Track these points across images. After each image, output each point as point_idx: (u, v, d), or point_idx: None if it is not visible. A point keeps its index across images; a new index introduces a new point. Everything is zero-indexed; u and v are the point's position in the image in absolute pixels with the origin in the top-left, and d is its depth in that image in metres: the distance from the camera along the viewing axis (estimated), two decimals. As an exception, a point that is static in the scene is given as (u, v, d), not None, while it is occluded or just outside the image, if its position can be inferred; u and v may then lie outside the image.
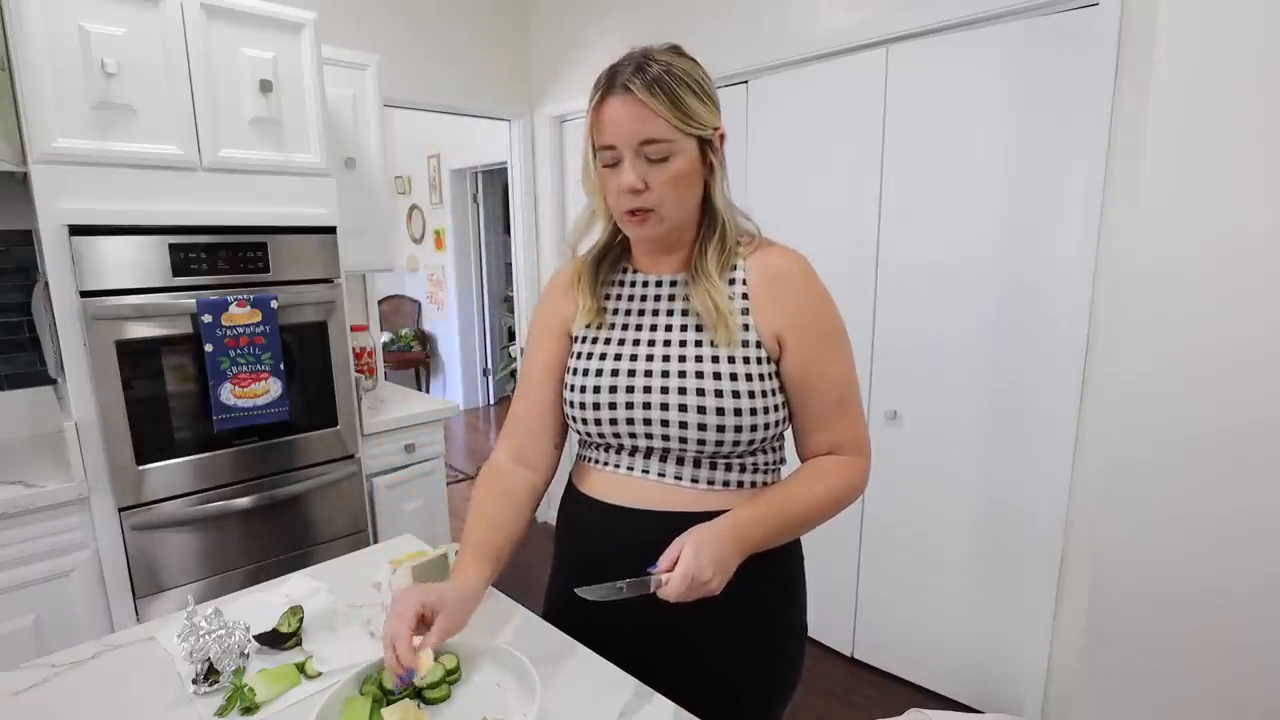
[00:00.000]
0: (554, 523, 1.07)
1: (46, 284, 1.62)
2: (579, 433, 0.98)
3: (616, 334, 0.96)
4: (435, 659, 0.83)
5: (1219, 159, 1.32)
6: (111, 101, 1.62)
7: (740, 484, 0.93)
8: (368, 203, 2.33)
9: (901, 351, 2.09)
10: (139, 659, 0.93)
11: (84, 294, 1.61)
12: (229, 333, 1.77)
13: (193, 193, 1.76)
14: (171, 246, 1.72)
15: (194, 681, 0.85)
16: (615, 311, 0.98)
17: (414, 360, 5.90)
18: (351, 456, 2.11)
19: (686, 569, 0.78)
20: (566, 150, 3.19)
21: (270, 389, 1.85)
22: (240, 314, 1.78)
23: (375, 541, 2.08)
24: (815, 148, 2.22)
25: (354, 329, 2.28)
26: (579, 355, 0.97)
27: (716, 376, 0.87)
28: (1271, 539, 1.33)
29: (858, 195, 2.11)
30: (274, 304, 1.83)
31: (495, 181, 5.46)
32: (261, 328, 1.82)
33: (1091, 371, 1.74)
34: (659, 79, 0.83)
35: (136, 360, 1.69)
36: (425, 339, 6.03)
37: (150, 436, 1.73)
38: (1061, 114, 1.72)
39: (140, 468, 1.72)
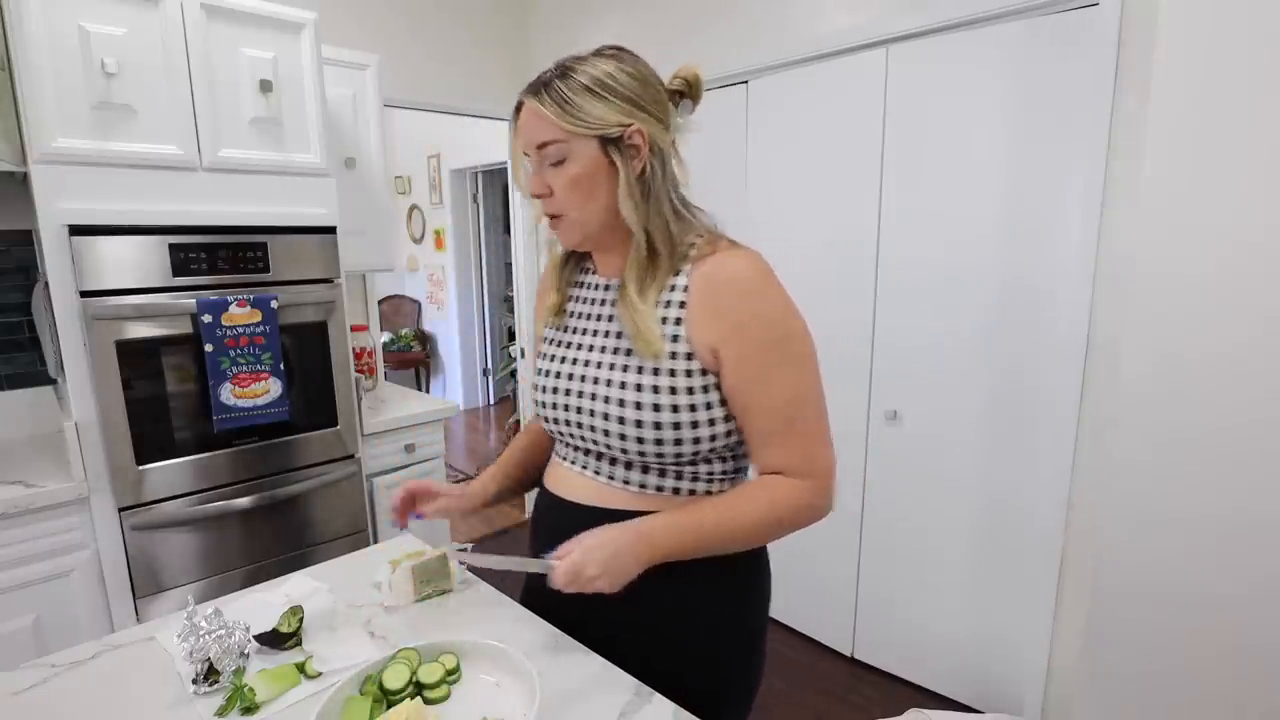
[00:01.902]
0: None
1: (46, 284, 1.62)
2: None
3: (569, 336, 0.99)
4: (436, 659, 0.83)
5: (1219, 159, 1.32)
6: (111, 101, 1.62)
7: (678, 490, 0.91)
8: (368, 203, 2.33)
9: (901, 351, 2.09)
10: (139, 659, 0.93)
11: (84, 294, 1.61)
12: (229, 333, 1.77)
13: (193, 193, 1.76)
14: (171, 246, 1.72)
15: (194, 681, 0.85)
16: (573, 314, 1.00)
17: (414, 360, 5.90)
18: (351, 456, 2.11)
19: (569, 564, 0.80)
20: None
21: (270, 389, 1.85)
22: (240, 314, 1.78)
23: (375, 541, 2.08)
24: (815, 148, 2.22)
25: (354, 329, 2.28)
26: (541, 355, 1.02)
27: (639, 389, 0.87)
28: (1272, 539, 1.33)
29: (858, 195, 2.11)
30: (274, 304, 1.83)
31: (495, 181, 5.46)
32: (261, 328, 1.82)
33: (1091, 371, 1.75)
34: (550, 86, 0.85)
35: (136, 360, 1.69)
36: (425, 339, 6.03)
37: (150, 436, 1.73)
38: (1061, 114, 1.72)
39: (140, 468, 1.72)
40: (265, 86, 1.83)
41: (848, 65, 2.10)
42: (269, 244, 1.86)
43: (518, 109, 0.90)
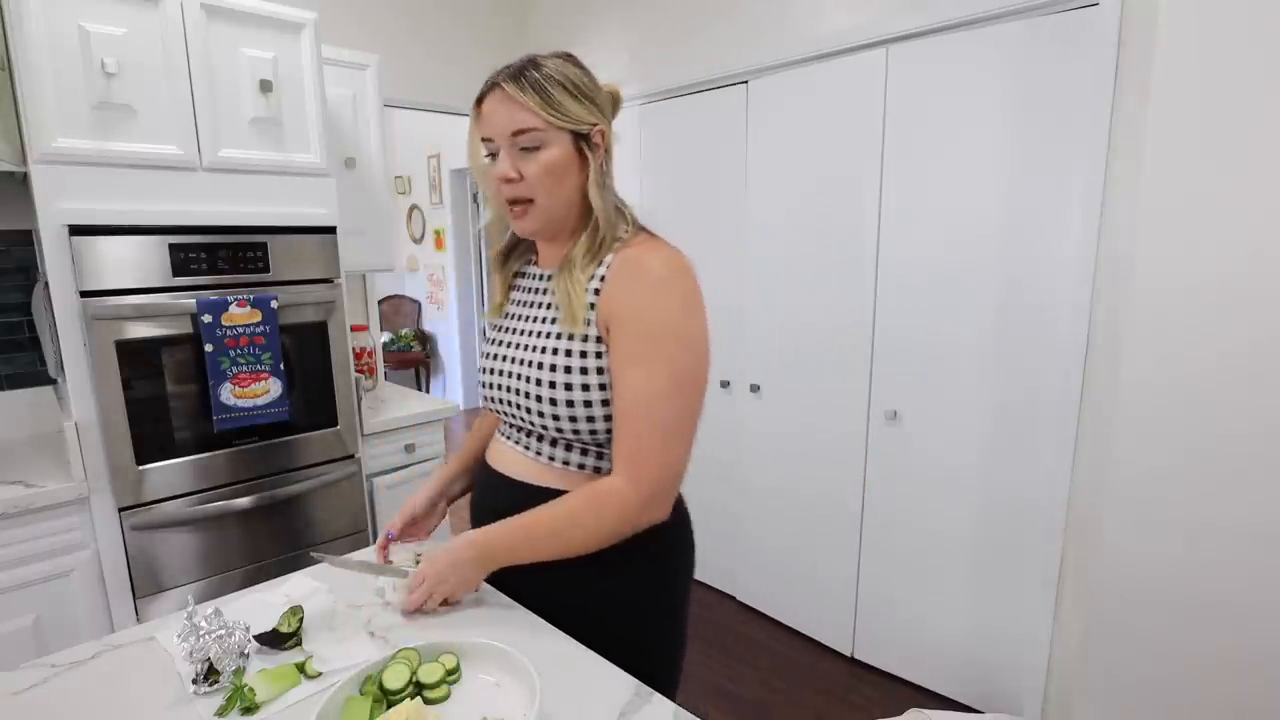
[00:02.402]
0: None
1: (46, 284, 1.62)
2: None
3: (508, 322, 1.07)
4: (436, 659, 0.84)
5: (1219, 159, 1.32)
6: (111, 101, 1.62)
7: (599, 470, 0.98)
8: (368, 203, 2.33)
9: (901, 351, 2.09)
10: (139, 659, 0.93)
11: (84, 294, 1.61)
12: (229, 333, 1.77)
13: (193, 193, 1.76)
14: (171, 246, 1.72)
15: (194, 681, 0.85)
16: (515, 303, 1.08)
17: (414, 360, 5.90)
18: (351, 456, 2.11)
19: (418, 576, 0.95)
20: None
21: (270, 389, 1.85)
22: (240, 314, 1.78)
23: (375, 541, 2.08)
24: (815, 148, 2.22)
25: (354, 329, 2.28)
26: (486, 341, 1.11)
27: (553, 369, 0.94)
28: (1272, 541, 1.33)
29: (858, 195, 2.12)
30: (274, 304, 1.83)
31: (495, 181, 5.45)
32: (261, 328, 1.82)
33: (1091, 371, 1.75)
34: (528, 76, 0.90)
35: (136, 360, 1.69)
36: (425, 339, 6.03)
37: (150, 436, 1.73)
38: (1061, 114, 1.72)
39: (140, 468, 1.72)
40: (265, 86, 1.83)
41: (848, 65, 2.10)
42: (269, 244, 1.86)
43: (483, 96, 0.94)
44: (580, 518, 0.92)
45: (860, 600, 2.31)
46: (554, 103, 0.90)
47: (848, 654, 2.36)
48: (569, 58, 0.95)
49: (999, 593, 1.99)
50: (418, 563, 1.06)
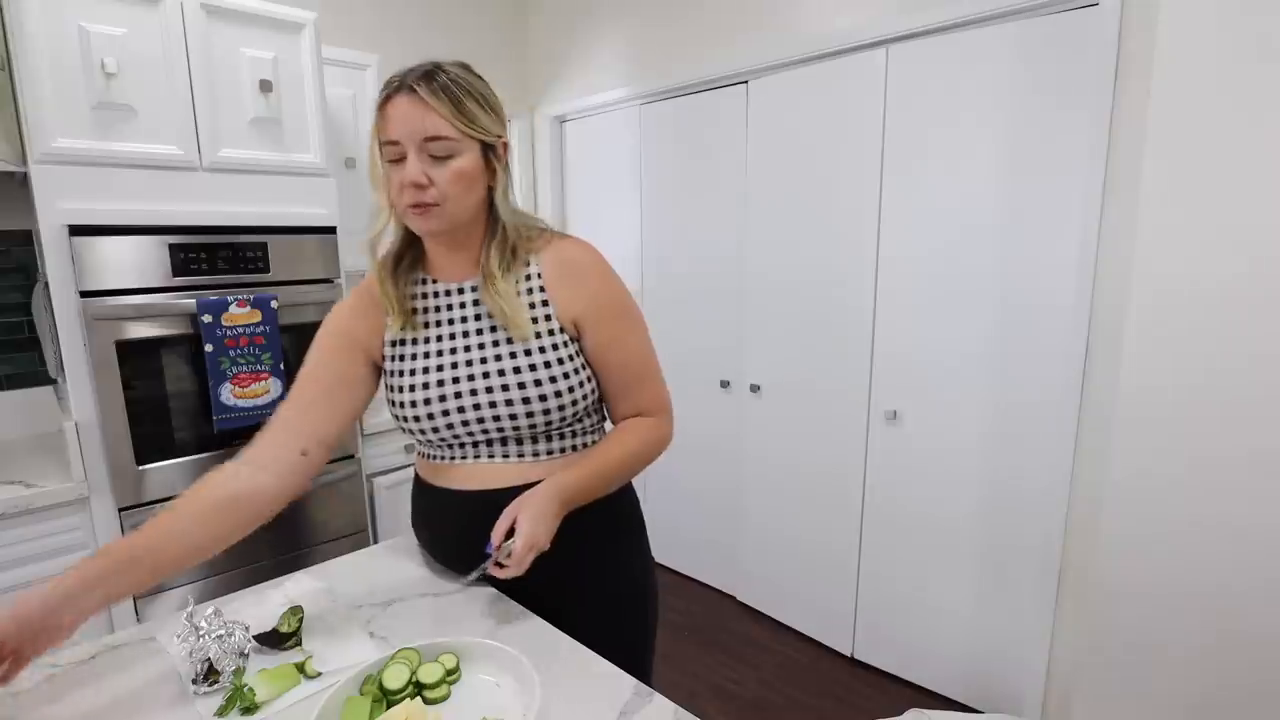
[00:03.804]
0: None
1: (46, 284, 1.62)
2: (417, 440, 1.08)
3: (429, 346, 1.03)
4: (436, 659, 0.83)
5: (1219, 159, 1.32)
6: (111, 101, 1.62)
7: (574, 448, 1.06)
8: (368, 203, 2.33)
9: (901, 352, 2.09)
10: (139, 659, 0.93)
11: (84, 294, 1.61)
12: (229, 333, 1.77)
13: (193, 193, 1.76)
14: (171, 246, 1.72)
15: (194, 681, 0.85)
16: (426, 324, 1.04)
17: (414, 360, 5.89)
18: (351, 456, 2.11)
19: (529, 541, 0.89)
20: (567, 150, 3.19)
21: (270, 389, 1.85)
22: (240, 314, 1.78)
23: (375, 541, 2.08)
24: (815, 148, 2.22)
25: (354, 329, 2.27)
26: (397, 371, 1.04)
27: (532, 368, 0.98)
28: (1271, 543, 1.34)
29: (858, 195, 2.11)
30: (274, 304, 1.83)
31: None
32: (261, 328, 1.82)
33: (1091, 371, 1.75)
34: (443, 84, 0.89)
35: (136, 360, 1.69)
36: (425, 339, 6.02)
37: (150, 437, 1.73)
38: (1061, 114, 1.72)
39: (140, 468, 1.72)
40: (265, 86, 1.83)
41: (848, 65, 2.10)
42: (269, 244, 1.86)
43: (387, 99, 0.91)
44: (643, 451, 1.07)
45: (860, 600, 2.31)
46: (466, 113, 0.90)
47: (848, 654, 2.36)
48: (469, 68, 0.96)
49: (999, 593, 1.99)
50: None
